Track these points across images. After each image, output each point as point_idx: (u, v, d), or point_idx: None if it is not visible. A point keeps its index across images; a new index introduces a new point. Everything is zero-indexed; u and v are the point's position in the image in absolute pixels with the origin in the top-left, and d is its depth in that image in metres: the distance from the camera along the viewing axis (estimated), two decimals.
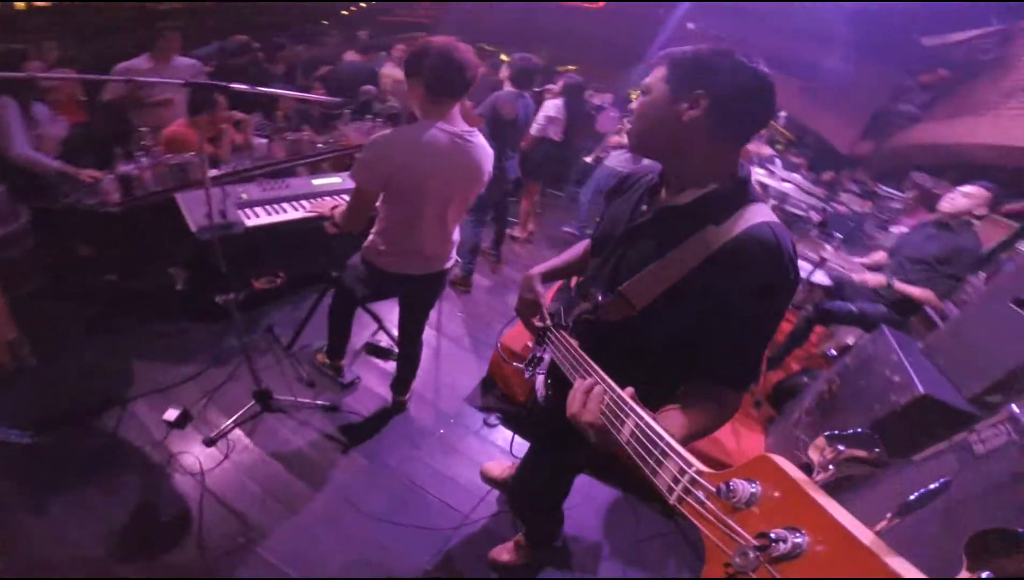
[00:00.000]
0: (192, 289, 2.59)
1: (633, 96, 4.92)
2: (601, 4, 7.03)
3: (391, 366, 2.68)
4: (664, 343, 1.04)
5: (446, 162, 1.66)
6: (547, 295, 1.35)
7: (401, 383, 2.42)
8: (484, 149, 1.76)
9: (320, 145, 3.30)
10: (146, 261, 2.44)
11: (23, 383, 2.13)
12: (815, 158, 6.27)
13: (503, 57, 5.99)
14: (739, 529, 0.52)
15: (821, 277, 3.00)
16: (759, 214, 0.92)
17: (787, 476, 0.50)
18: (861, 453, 0.51)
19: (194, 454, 2.00)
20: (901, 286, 2.61)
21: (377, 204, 1.79)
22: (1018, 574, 0.46)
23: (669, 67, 0.94)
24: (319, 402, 2.33)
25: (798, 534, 0.46)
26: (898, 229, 4.67)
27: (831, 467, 0.51)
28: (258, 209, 2.37)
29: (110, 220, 2.13)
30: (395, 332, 2.83)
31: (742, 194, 0.96)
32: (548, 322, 1.22)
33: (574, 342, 1.04)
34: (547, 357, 1.20)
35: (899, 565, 0.40)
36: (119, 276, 2.41)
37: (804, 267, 2.87)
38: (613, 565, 1.99)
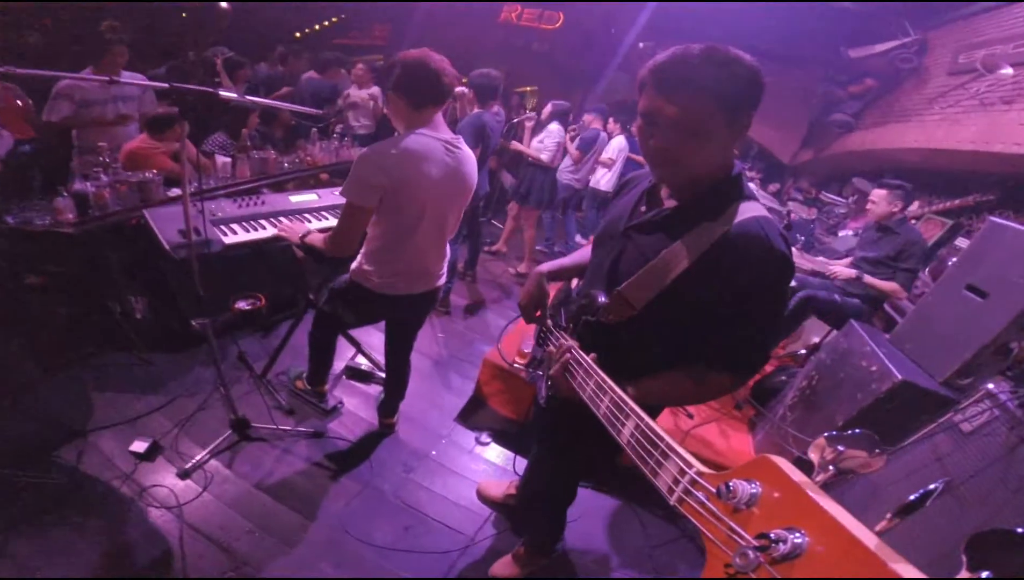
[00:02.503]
0: (153, 318, 2.40)
1: (586, 118, 5.00)
2: (557, 25, 7.25)
3: (374, 389, 2.59)
4: (665, 341, 1.06)
5: (441, 171, 1.62)
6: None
7: (388, 406, 2.32)
8: (471, 157, 1.75)
9: (286, 165, 3.20)
10: (102, 289, 2.24)
11: None
12: (764, 169, 6.66)
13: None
14: (739, 529, 0.52)
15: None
16: (750, 210, 0.95)
17: (787, 477, 0.51)
18: (861, 454, 0.52)
19: (168, 487, 1.82)
20: (870, 280, 2.78)
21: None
22: (1018, 574, 0.46)
23: (698, 94, 0.87)
24: (302, 429, 2.19)
25: (798, 534, 0.46)
26: (844, 233, 5.00)
27: (831, 467, 0.53)
28: (235, 226, 2.23)
29: (65, 242, 1.94)
30: (375, 355, 2.77)
31: (736, 191, 0.98)
32: (548, 321, 1.23)
33: (574, 343, 1.05)
34: (548, 360, 1.19)
35: (899, 565, 0.40)
36: (72, 306, 2.19)
37: None
38: (625, 574, 1.95)
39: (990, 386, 1.60)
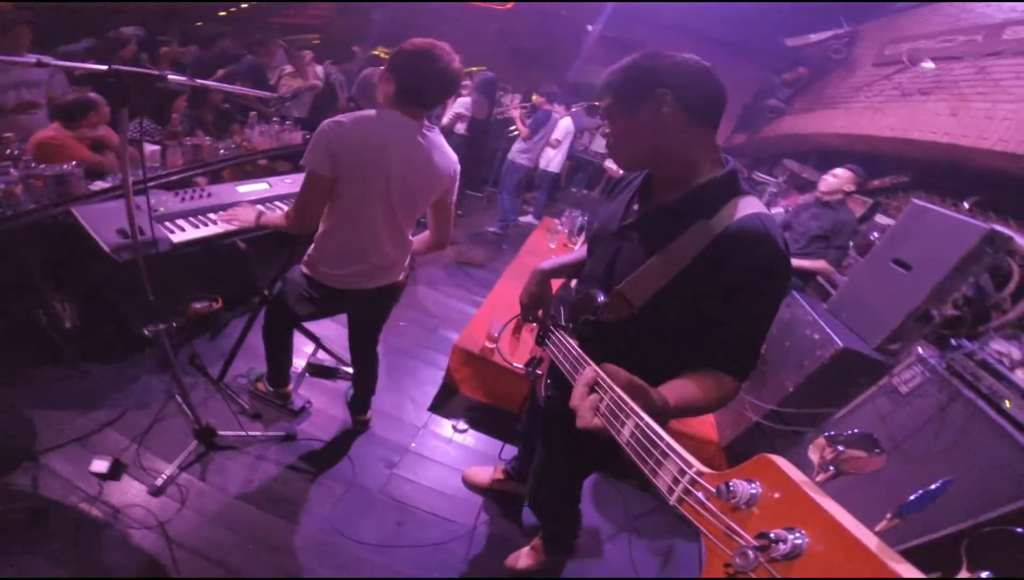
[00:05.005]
0: (85, 325, 2.16)
1: (534, 98, 5.06)
2: (510, 5, 7.11)
3: (341, 385, 2.51)
4: (665, 340, 1.04)
5: (403, 153, 1.54)
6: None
7: (360, 403, 2.26)
8: (443, 149, 1.66)
9: (222, 151, 2.95)
10: (22, 296, 1.97)
11: None
12: None
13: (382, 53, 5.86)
14: (739, 529, 0.52)
15: None
16: (749, 206, 0.94)
17: (787, 477, 0.51)
18: (861, 453, 0.50)
19: (143, 506, 1.69)
20: (798, 262, 3.01)
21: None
22: (1018, 574, 0.45)
23: (616, 88, 0.98)
24: (272, 433, 2.08)
25: (798, 534, 0.46)
26: (776, 210, 5.39)
27: (831, 467, 0.51)
28: (181, 222, 2.01)
29: None
30: (337, 349, 2.68)
31: (731, 187, 0.98)
32: (548, 318, 1.22)
33: (574, 342, 1.03)
34: (547, 358, 1.18)
35: (899, 565, 0.40)
36: None
37: None
38: (617, 545, 2.05)
39: (919, 350, 1.79)
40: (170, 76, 1.35)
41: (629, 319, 1.00)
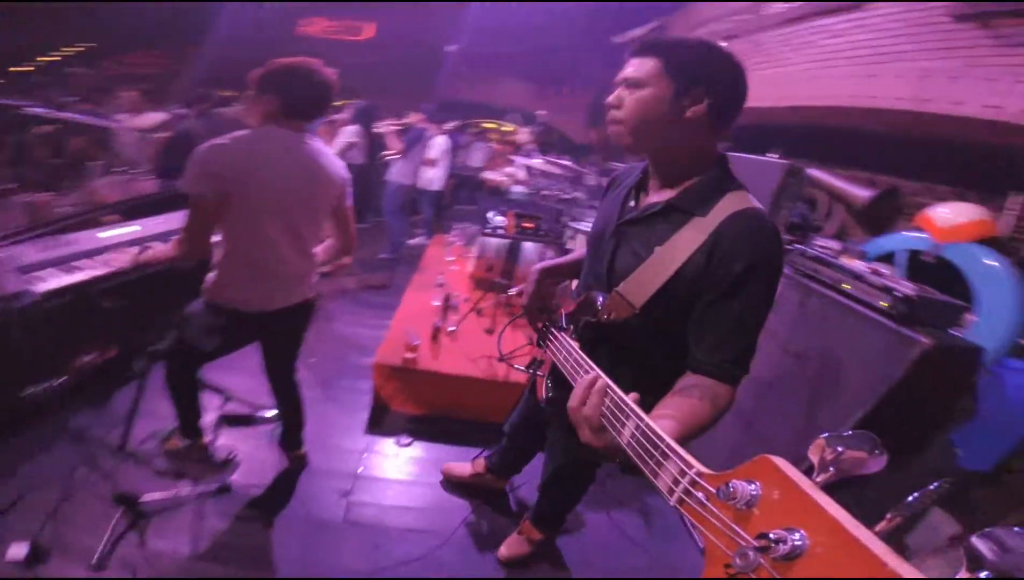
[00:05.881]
0: None
1: (410, 117, 5.11)
2: (364, 37, 7.09)
3: (264, 429, 2.32)
4: (666, 341, 1.03)
5: (291, 165, 1.55)
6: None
7: (293, 438, 2.13)
8: (330, 156, 1.68)
9: (69, 207, 2.59)
10: None
11: None
12: (564, 152, 7.64)
13: None
14: (739, 530, 0.52)
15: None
16: (741, 201, 0.95)
17: (787, 477, 0.51)
18: (862, 454, 0.50)
19: None
20: None
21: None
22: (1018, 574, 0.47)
23: (665, 61, 0.93)
24: (205, 488, 1.88)
25: (798, 535, 0.46)
26: None
27: (831, 467, 0.51)
28: (46, 271, 1.76)
29: None
30: (247, 397, 2.44)
31: (724, 182, 0.98)
32: (549, 319, 1.23)
33: (575, 344, 1.03)
34: (548, 360, 1.18)
35: (899, 565, 0.40)
36: None
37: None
38: (596, 510, 2.12)
39: None
40: (30, 107, 1.23)
41: (630, 319, 0.99)
